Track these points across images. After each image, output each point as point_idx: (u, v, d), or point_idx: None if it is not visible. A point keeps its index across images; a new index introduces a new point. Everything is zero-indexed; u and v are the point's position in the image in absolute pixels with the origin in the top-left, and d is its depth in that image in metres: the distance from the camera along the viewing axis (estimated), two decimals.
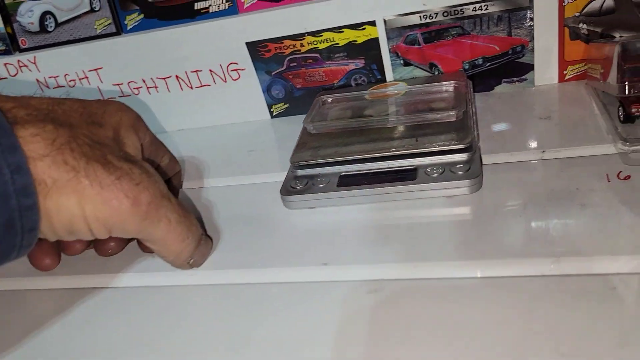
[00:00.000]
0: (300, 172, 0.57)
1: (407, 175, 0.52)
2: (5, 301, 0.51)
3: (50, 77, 0.78)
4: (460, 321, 0.37)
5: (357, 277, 0.44)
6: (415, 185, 0.51)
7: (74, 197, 0.36)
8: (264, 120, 0.76)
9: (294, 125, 0.72)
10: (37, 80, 0.79)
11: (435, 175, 0.51)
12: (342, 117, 0.63)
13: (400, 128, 0.58)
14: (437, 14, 0.63)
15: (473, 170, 0.51)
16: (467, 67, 0.66)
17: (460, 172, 0.51)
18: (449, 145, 0.53)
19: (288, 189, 0.55)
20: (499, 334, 0.36)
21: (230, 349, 0.40)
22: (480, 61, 0.66)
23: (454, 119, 0.56)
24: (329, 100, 0.67)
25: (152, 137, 0.51)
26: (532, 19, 0.62)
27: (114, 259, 0.52)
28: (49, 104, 0.40)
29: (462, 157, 0.53)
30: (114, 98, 0.78)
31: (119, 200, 0.38)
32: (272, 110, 0.75)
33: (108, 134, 0.43)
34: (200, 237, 0.47)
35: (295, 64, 0.70)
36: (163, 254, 0.45)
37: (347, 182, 0.54)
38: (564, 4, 0.61)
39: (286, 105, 0.74)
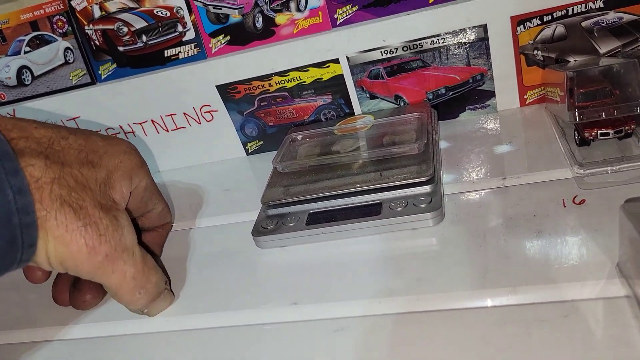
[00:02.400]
0: (271, 212, 0.58)
1: (372, 210, 0.54)
2: None
3: None
4: (423, 355, 0.38)
5: (325, 316, 0.46)
6: (380, 220, 0.52)
7: (42, 231, 0.39)
8: (240, 157, 0.78)
9: (269, 162, 0.74)
10: None
11: (399, 209, 0.53)
12: (310, 155, 0.65)
13: (366, 163, 0.60)
14: (397, 48, 0.66)
15: (434, 203, 0.52)
16: (430, 97, 0.68)
17: (422, 205, 0.52)
18: (411, 178, 0.55)
19: (259, 230, 0.56)
20: None
21: None
22: (443, 91, 0.68)
23: (416, 152, 0.58)
24: (299, 137, 0.69)
25: (148, 184, 0.53)
26: (488, 48, 0.64)
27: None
28: (51, 138, 0.42)
29: (425, 189, 0.54)
30: None
31: (78, 246, 0.40)
32: (247, 147, 0.77)
33: (99, 175, 0.45)
34: (159, 293, 0.49)
35: (265, 103, 0.72)
36: (114, 298, 0.47)
37: (316, 219, 0.55)
38: (517, 33, 0.63)
39: (260, 143, 0.76)
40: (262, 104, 0.72)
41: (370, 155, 0.60)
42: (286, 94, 0.71)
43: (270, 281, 0.52)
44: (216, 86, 0.71)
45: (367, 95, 0.70)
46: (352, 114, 0.71)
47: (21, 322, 0.55)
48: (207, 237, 0.62)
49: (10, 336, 0.53)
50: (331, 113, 0.72)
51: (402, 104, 0.70)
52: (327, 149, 0.65)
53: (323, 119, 0.72)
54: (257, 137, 0.76)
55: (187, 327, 0.48)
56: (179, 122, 0.76)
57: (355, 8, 0.65)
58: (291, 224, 0.55)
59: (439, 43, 0.64)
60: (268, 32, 0.68)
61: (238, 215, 0.63)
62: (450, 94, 0.68)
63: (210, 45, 0.70)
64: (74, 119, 0.78)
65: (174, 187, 0.75)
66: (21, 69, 0.77)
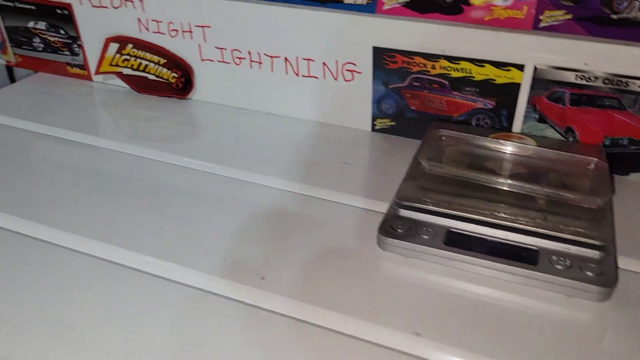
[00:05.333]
0: (404, 213, 0.50)
1: (527, 257, 0.46)
2: None
3: (152, 20, 0.73)
4: None
5: None
6: (535, 272, 0.44)
7: None
8: (363, 131, 0.70)
9: (397, 146, 0.66)
10: (139, 19, 0.73)
11: (560, 267, 0.45)
12: (460, 162, 0.56)
13: (526, 196, 0.51)
14: (596, 78, 0.56)
15: (607, 278, 0.44)
16: (607, 143, 0.59)
17: (590, 274, 0.44)
18: (582, 235, 0.46)
19: (387, 229, 0.49)
20: None
21: None
22: (626, 142, 0.58)
23: (593, 207, 0.49)
24: (446, 135, 0.60)
25: None
26: None
27: None
28: None
29: (595, 254, 0.46)
30: (212, 61, 0.72)
31: None
32: (375, 123, 0.69)
33: None
34: None
35: (418, 84, 0.63)
36: None
37: (456, 241, 0.47)
38: None
39: (392, 123, 0.68)
40: (414, 83, 0.63)
41: (533, 190, 0.52)
42: (446, 82, 0.62)
43: (390, 295, 0.44)
44: (373, 47, 0.63)
45: (536, 116, 0.60)
46: (509, 129, 0.62)
47: None
48: (320, 212, 0.54)
49: None
50: (485, 120, 0.63)
51: (570, 139, 0.60)
52: (480, 163, 0.56)
53: (473, 123, 0.63)
54: (391, 116, 0.67)
55: (296, 316, 0.42)
56: (314, 71, 0.68)
57: (569, 17, 0.55)
58: (426, 237, 0.48)
59: None
60: (456, 8, 0.59)
61: (356, 198, 0.56)
62: (633, 148, 0.58)
63: (383, 0, 0.61)
64: (203, 27, 0.70)
65: (286, 138, 0.68)
66: None
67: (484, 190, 0.52)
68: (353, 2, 0.63)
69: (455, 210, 0.49)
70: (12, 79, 0.93)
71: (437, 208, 0.50)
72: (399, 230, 0.48)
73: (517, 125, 0.62)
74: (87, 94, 0.79)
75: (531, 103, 0.60)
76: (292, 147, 0.66)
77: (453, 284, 0.45)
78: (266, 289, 0.44)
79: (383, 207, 0.52)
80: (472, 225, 0.49)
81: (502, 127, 0.62)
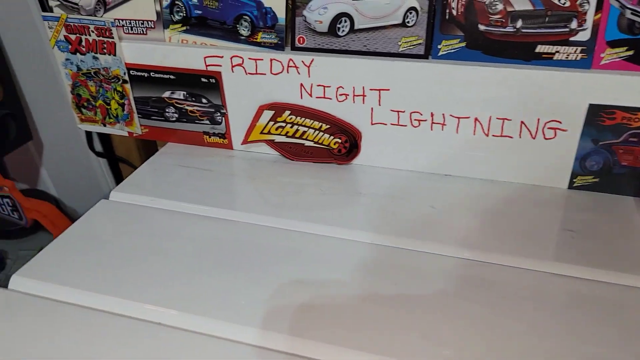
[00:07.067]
0: None
1: None
2: None
3: (318, 85, 0.68)
4: None
5: None
6: None
7: None
8: (558, 189, 0.66)
9: (600, 205, 0.62)
10: (302, 85, 0.68)
11: None
12: None
13: None
14: None
15: None
16: None
17: None
18: None
19: None
20: None
21: None
22: None
23: None
24: None
25: None
26: None
27: None
28: None
29: None
30: (384, 125, 0.67)
31: None
32: (574, 180, 0.64)
33: None
34: None
35: (636, 139, 0.59)
36: None
37: None
38: None
39: (595, 180, 0.64)
40: (631, 139, 0.59)
41: None
42: None
43: None
44: (590, 104, 0.59)
45: None
46: None
47: None
48: (597, 294, 0.49)
49: None
50: None
51: None
52: None
53: None
54: (594, 173, 0.63)
55: None
56: (508, 130, 0.63)
57: None
58: None
59: None
60: None
61: (617, 274, 0.51)
62: None
63: (601, 55, 0.58)
64: (380, 90, 0.65)
65: (467, 202, 0.64)
66: (339, 17, 0.64)
67: None
68: (565, 58, 0.59)
69: None
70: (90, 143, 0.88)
71: None
72: None
73: None
74: (232, 165, 0.74)
75: None
76: (489, 214, 0.61)
77: None
78: None
79: None
80: None
81: None
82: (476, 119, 0.64)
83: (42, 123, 1.07)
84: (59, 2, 0.73)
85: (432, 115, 0.65)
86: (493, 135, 0.65)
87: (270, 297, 0.50)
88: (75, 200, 1.28)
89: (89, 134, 0.89)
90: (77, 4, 0.72)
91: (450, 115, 0.65)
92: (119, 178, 1.14)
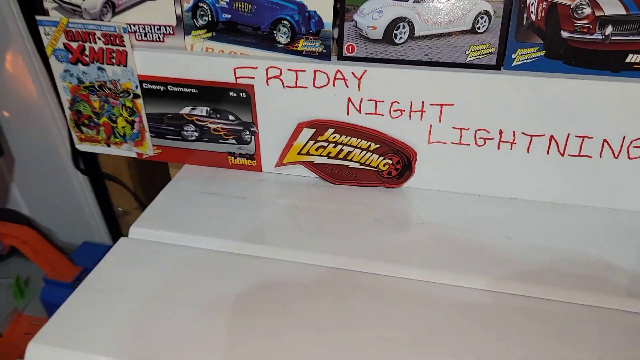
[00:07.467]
0: None
1: None
2: None
3: (369, 100, 0.59)
4: None
5: None
6: None
7: None
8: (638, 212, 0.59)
9: None
10: (349, 99, 0.59)
11: None
12: None
13: None
14: None
15: None
16: None
17: None
18: None
19: None
20: None
21: None
22: None
23: None
24: None
25: None
26: None
27: None
28: None
29: None
30: (443, 144, 0.59)
31: None
32: None
33: None
34: None
35: None
36: None
37: None
38: None
39: None
40: None
41: None
42: None
43: None
44: None
45: None
46: None
47: None
48: None
49: None
50: None
51: None
52: None
53: None
54: None
55: None
56: (587, 149, 0.57)
57: None
58: None
59: None
60: None
61: None
62: None
63: None
64: (442, 104, 0.57)
65: (539, 230, 0.57)
66: (397, 21, 0.56)
67: None
68: None
69: None
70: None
71: None
72: None
73: None
74: (264, 190, 0.64)
75: None
76: (573, 243, 0.54)
77: None
78: None
79: None
80: None
81: None
82: (552, 137, 0.57)
83: (13, 137, 0.96)
84: (56, 5, 0.62)
85: (500, 132, 0.58)
86: (569, 155, 0.57)
87: None
88: (50, 220, 1.16)
89: (75, 150, 0.76)
90: (78, 7, 0.61)
91: (522, 132, 0.57)
92: (101, 196, 1.03)
